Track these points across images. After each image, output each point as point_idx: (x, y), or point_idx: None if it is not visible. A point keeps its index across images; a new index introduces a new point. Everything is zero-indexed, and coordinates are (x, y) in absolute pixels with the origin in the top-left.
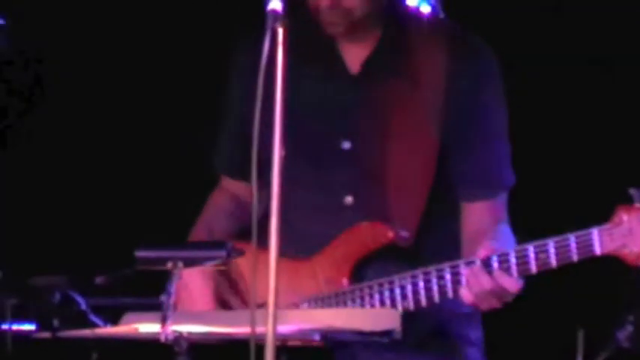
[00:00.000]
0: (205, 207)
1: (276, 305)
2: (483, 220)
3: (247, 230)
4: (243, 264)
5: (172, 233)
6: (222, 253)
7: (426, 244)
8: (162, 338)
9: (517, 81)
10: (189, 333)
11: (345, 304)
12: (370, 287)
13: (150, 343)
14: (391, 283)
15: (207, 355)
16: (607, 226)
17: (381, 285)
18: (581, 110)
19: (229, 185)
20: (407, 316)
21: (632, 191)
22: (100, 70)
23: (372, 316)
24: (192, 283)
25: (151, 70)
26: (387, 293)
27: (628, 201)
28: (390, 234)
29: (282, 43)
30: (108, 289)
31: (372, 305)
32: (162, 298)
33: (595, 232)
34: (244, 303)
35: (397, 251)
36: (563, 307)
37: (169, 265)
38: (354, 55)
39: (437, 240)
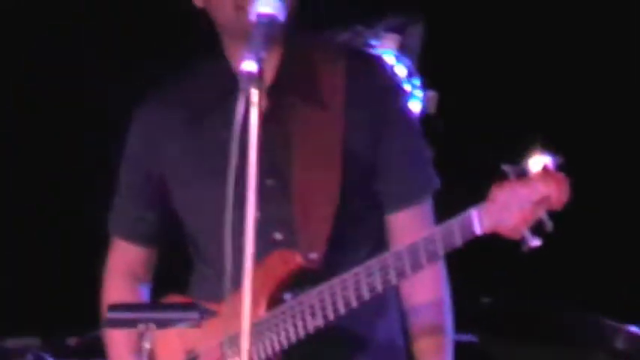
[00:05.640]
0: (107, 280)
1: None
2: (411, 229)
3: None
4: None
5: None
6: (195, 315)
7: (339, 264)
8: None
9: None
10: None
11: (264, 333)
12: (292, 307)
13: None
14: (320, 293)
15: None
16: (484, 205)
17: (301, 303)
18: None
19: (125, 250)
20: None
21: (505, 167)
22: None
23: None
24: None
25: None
26: (317, 304)
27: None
28: (298, 259)
29: (257, 104)
30: (80, 351)
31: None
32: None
33: (474, 213)
34: None
35: (312, 275)
36: None
37: (141, 327)
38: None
39: (349, 260)
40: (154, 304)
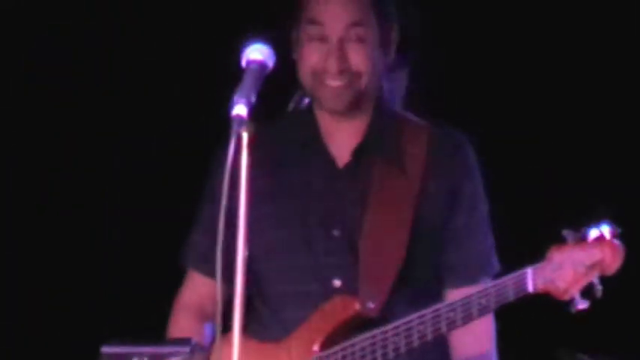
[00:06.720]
0: (174, 311)
1: None
2: None
3: None
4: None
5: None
6: (186, 350)
7: (395, 318)
8: None
9: None
10: None
11: None
12: (344, 349)
13: None
14: (373, 337)
15: None
16: (540, 264)
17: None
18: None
19: (196, 283)
20: None
21: (565, 232)
22: None
23: None
24: None
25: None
26: (368, 348)
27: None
28: (356, 305)
29: (247, 147)
30: None
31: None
32: None
33: (529, 272)
34: None
35: (369, 323)
36: None
37: None
38: (342, 146)
39: (404, 313)
40: (149, 337)
